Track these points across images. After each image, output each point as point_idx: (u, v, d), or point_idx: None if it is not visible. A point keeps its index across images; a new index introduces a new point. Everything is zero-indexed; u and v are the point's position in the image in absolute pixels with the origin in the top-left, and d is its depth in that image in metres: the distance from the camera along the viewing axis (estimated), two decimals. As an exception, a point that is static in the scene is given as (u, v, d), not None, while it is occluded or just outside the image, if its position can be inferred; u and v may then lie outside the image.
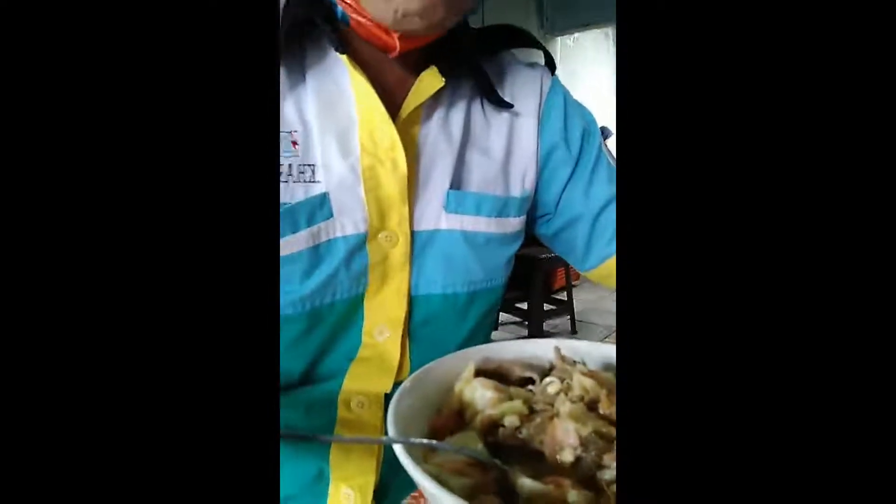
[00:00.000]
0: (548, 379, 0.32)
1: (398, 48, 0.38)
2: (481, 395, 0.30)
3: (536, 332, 2.59)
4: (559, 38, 4.19)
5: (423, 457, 0.26)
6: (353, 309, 0.42)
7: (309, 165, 0.39)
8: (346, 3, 0.37)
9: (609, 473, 0.26)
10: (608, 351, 0.36)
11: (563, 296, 2.92)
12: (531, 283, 2.55)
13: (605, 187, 0.48)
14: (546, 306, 2.77)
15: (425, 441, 0.27)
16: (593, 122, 0.51)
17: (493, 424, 0.28)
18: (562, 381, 0.31)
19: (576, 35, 4.31)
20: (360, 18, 0.37)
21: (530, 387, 0.32)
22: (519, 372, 0.33)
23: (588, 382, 0.30)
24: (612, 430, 0.27)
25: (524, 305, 2.68)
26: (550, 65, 0.51)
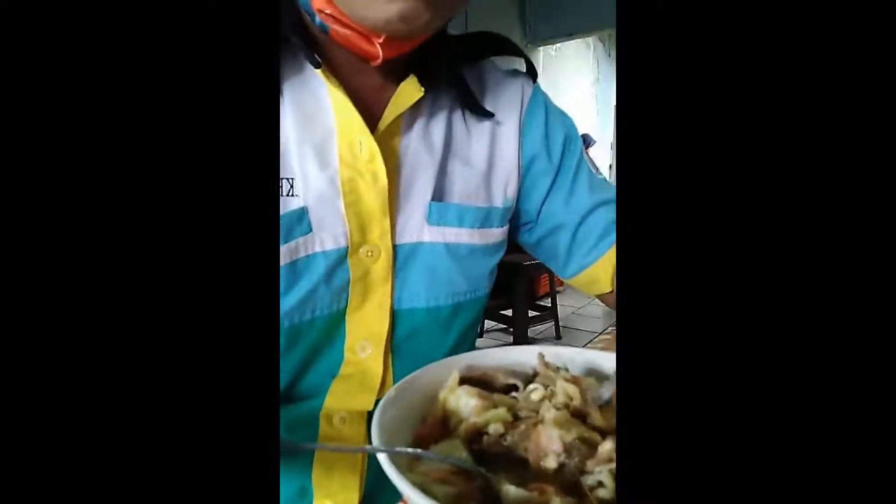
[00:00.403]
0: (532, 385, 0.32)
1: (381, 56, 0.37)
2: (466, 403, 0.30)
3: (521, 339, 2.60)
4: (542, 48, 4.24)
5: (407, 466, 0.26)
6: (334, 325, 0.41)
7: (287, 179, 0.38)
8: (325, 13, 0.36)
9: (592, 479, 0.26)
10: (591, 356, 0.36)
11: (548, 302, 2.94)
12: (515, 289, 2.56)
13: (586, 196, 0.48)
14: (530, 313, 2.78)
15: (409, 450, 0.26)
16: (574, 129, 0.52)
17: (478, 432, 0.29)
18: (545, 387, 0.31)
19: (558, 45, 4.37)
20: (340, 28, 0.36)
21: (514, 393, 0.33)
22: (503, 379, 0.34)
23: (571, 388, 0.30)
24: (595, 436, 0.27)
25: (509, 312, 2.69)
26: (531, 72, 0.51)
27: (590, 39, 4.96)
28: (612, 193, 0.49)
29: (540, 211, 0.49)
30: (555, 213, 0.49)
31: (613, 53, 5.54)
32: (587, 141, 5.05)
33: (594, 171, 0.50)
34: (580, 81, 5.04)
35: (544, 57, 4.33)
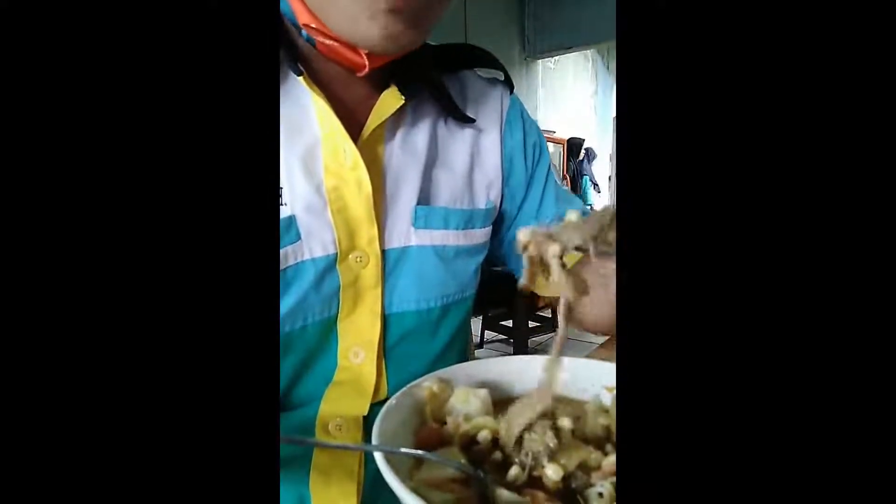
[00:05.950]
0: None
1: (367, 66, 0.38)
2: (465, 405, 0.30)
3: (521, 349, 2.60)
4: (541, 61, 4.28)
5: (407, 474, 0.26)
6: (326, 332, 0.42)
7: None
8: (311, 27, 0.37)
9: (593, 490, 0.26)
10: (593, 366, 0.36)
11: (548, 313, 2.93)
12: (515, 300, 2.56)
13: (552, 205, 0.51)
14: (531, 323, 2.78)
15: (408, 450, 0.27)
16: (544, 141, 0.55)
17: (471, 439, 0.29)
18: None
19: (557, 57, 4.41)
20: (326, 41, 0.37)
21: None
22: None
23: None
24: (598, 456, 0.27)
25: (509, 323, 2.69)
26: (509, 83, 0.53)
27: (588, 52, 5.01)
28: (574, 203, 0.53)
29: (517, 216, 0.52)
30: (527, 220, 0.51)
31: (612, 66, 5.59)
32: (590, 154, 5.08)
33: (559, 181, 0.54)
34: (579, 93, 5.08)
35: (543, 69, 4.37)
